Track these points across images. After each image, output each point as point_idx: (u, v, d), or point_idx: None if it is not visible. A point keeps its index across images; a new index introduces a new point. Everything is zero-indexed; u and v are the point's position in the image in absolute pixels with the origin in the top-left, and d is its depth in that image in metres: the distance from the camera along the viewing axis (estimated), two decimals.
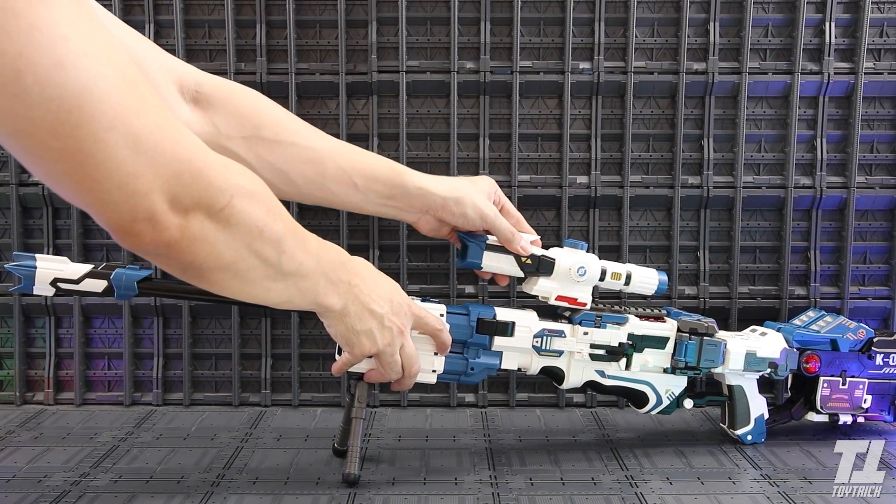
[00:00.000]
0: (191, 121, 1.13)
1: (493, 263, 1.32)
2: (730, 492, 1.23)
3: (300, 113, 1.57)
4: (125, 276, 1.15)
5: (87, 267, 1.15)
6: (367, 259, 1.48)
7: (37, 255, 1.14)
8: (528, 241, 1.32)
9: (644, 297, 1.45)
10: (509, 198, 1.55)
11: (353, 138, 1.60)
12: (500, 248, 1.31)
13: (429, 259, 1.62)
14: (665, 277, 1.37)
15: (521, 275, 1.33)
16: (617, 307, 1.39)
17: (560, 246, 1.36)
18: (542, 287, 1.32)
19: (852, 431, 1.49)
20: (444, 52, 1.60)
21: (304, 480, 1.26)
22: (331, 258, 1.07)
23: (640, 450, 1.41)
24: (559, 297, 1.33)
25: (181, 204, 0.81)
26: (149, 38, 1.53)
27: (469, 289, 1.62)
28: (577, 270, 1.31)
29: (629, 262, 1.42)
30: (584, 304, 1.34)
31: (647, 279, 1.36)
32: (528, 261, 1.31)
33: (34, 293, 1.14)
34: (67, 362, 1.64)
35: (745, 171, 1.62)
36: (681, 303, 1.62)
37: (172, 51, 1.54)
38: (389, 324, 1.14)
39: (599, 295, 1.57)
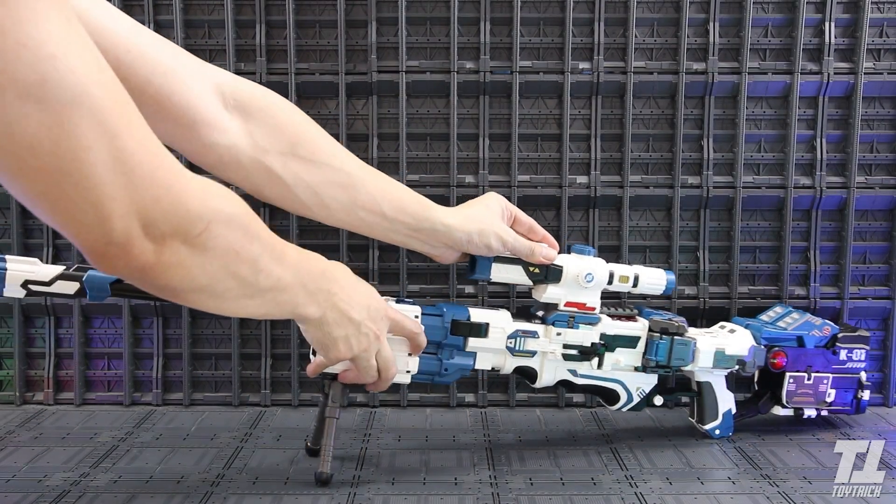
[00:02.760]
0: (230, 128, 1.12)
1: (502, 274, 1.33)
2: (730, 492, 1.23)
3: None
4: (97, 277, 1.15)
5: (59, 268, 1.14)
6: (367, 259, 1.49)
7: (7, 257, 1.12)
8: (546, 249, 1.33)
9: (651, 297, 1.45)
10: (509, 198, 1.56)
11: (352, 138, 1.60)
12: (508, 259, 1.32)
13: (428, 259, 1.61)
14: (673, 277, 1.39)
15: (530, 283, 1.34)
16: (621, 308, 1.41)
17: (568, 251, 1.37)
18: (551, 294, 1.34)
19: (850, 430, 1.49)
20: (444, 52, 1.60)
21: (304, 481, 1.26)
22: (309, 268, 1.07)
23: (640, 450, 1.41)
24: (568, 303, 1.35)
25: (157, 230, 0.80)
26: None
27: (469, 289, 1.63)
28: (584, 277, 1.33)
29: (635, 264, 1.41)
30: (594, 309, 1.36)
31: (654, 280, 1.38)
32: (536, 270, 1.33)
33: (4, 295, 1.12)
34: (67, 362, 1.64)
35: (745, 172, 1.62)
36: (680, 303, 1.62)
37: None
38: (366, 329, 1.14)
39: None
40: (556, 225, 1.62)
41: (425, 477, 1.29)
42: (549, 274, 1.33)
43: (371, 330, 1.15)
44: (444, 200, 1.58)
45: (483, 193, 1.56)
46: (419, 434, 1.48)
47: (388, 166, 1.60)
